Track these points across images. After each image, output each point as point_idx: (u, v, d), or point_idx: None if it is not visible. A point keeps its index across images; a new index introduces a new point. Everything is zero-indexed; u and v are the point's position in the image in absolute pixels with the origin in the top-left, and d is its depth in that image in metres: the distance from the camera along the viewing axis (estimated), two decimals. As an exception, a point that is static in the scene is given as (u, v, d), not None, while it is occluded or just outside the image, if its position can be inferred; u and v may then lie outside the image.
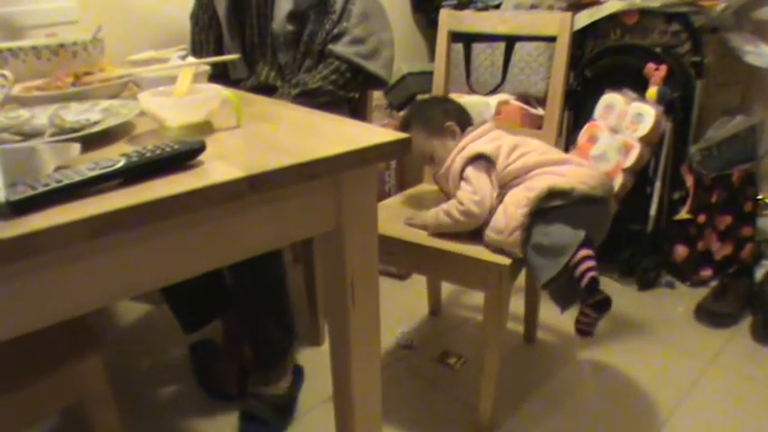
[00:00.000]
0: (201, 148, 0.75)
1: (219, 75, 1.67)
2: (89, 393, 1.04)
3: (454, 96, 2.11)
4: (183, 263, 0.74)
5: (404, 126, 1.45)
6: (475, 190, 1.29)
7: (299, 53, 1.58)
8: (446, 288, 1.89)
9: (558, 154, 1.36)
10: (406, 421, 1.43)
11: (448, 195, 1.41)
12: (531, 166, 1.30)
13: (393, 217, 1.43)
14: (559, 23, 1.44)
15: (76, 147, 0.78)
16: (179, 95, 0.90)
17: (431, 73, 2.23)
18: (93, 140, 0.86)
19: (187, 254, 0.74)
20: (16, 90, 1.07)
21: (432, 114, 1.43)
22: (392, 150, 0.83)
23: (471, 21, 1.58)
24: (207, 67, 1.12)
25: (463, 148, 1.36)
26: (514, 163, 1.30)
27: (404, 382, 1.58)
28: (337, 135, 0.87)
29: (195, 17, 1.66)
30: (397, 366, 1.64)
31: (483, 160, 1.32)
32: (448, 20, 1.58)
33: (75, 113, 0.98)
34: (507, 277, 1.24)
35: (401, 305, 1.90)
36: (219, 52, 1.66)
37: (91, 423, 1.09)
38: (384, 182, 2.16)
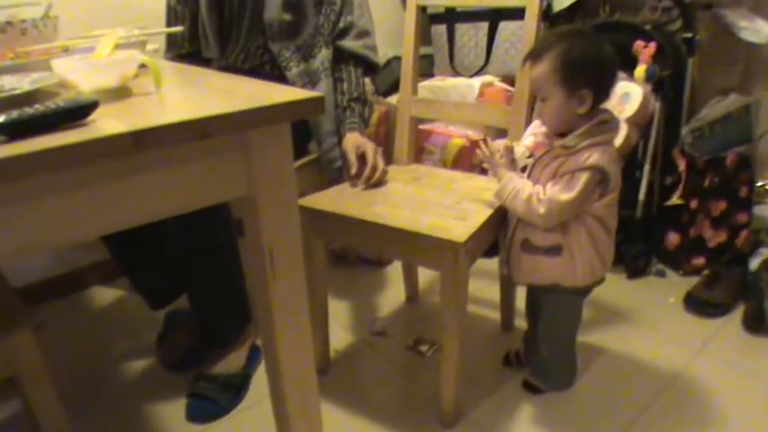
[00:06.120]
0: (93, 105, 0.73)
1: (194, 53, 1.66)
2: (22, 368, 1.02)
3: (437, 80, 2.08)
4: (76, 223, 0.71)
5: (540, 48, 1.16)
6: (573, 199, 1.14)
7: (296, 43, 1.54)
8: (426, 275, 1.84)
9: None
10: (372, 407, 1.38)
11: (530, 173, 1.23)
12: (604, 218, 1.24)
13: (352, 196, 1.39)
14: (528, -6, 1.38)
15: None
16: (96, 59, 0.88)
17: (420, 57, 2.18)
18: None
19: (81, 214, 0.71)
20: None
21: (577, 64, 1.12)
22: (299, 110, 0.79)
23: (440, -4, 1.53)
24: (145, 39, 1.09)
25: (595, 145, 1.14)
26: (607, 207, 1.22)
27: (373, 369, 1.54)
28: (248, 96, 0.83)
29: None
30: (368, 353, 1.60)
31: (601, 176, 1.16)
32: (416, -5, 1.52)
33: (7, 84, 0.97)
34: (463, 255, 1.19)
35: (378, 292, 1.86)
36: (195, 29, 1.63)
37: (27, 399, 1.08)
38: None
